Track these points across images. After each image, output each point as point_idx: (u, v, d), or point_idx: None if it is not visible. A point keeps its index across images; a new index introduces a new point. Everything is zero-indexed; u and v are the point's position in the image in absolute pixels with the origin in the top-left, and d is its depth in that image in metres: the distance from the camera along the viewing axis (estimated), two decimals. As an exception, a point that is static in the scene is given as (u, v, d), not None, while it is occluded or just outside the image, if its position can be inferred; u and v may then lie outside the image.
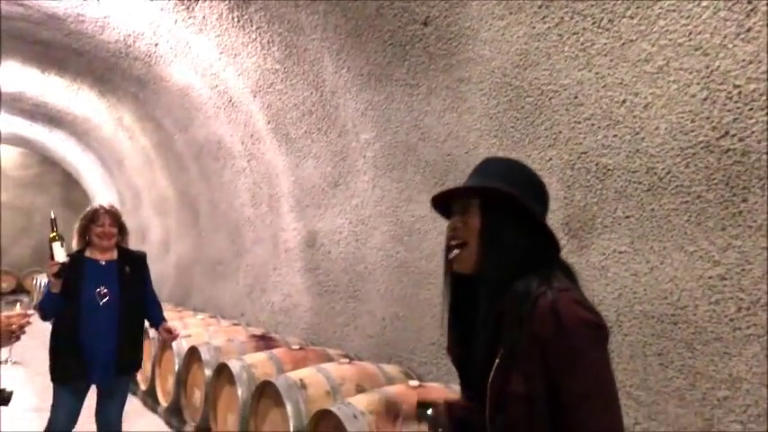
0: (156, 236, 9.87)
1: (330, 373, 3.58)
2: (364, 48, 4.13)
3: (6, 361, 2.62)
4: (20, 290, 14.01)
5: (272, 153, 5.77)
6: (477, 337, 1.39)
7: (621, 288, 2.89)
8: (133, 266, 3.59)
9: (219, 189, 7.14)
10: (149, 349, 5.87)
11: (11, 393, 2.33)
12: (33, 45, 6.72)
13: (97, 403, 3.58)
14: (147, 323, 3.73)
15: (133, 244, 9.68)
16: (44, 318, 3.32)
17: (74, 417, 3.45)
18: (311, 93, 4.87)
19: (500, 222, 1.37)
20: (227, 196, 7.01)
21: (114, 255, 3.56)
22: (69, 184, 14.22)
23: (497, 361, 1.30)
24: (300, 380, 3.48)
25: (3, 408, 2.37)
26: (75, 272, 3.30)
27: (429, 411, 1.23)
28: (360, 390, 3.45)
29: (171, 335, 3.68)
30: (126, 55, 6.31)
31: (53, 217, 2.97)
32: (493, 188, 1.39)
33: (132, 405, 6.02)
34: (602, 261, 2.98)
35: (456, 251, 1.41)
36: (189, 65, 5.93)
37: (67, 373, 3.33)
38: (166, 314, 6.82)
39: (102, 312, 3.38)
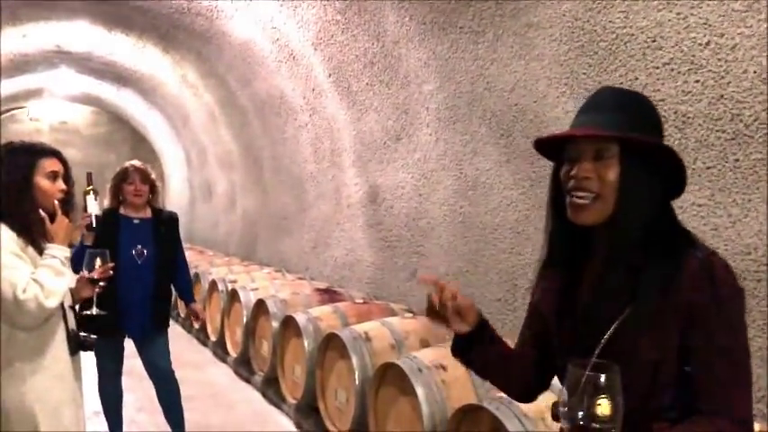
0: (221, 191, 10.08)
1: (394, 326, 3.59)
2: (427, -5, 3.99)
3: (92, 309, 2.74)
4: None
5: (333, 107, 5.73)
6: (587, 291, 1.29)
7: (700, 243, 2.74)
8: (167, 226, 3.73)
9: (282, 144, 7.19)
10: (218, 302, 6.06)
11: (94, 340, 2.44)
12: (100, 4, 6.83)
13: (141, 355, 3.73)
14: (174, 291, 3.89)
15: (199, 199, 9.93)
16: (75, 270, 3.33)
17: (120, 360, 3.70)
18: (372, 44, 4.77)
19: (640, 174, 1.21)
20: (289, 151, 7.05)
21: (148, 213, 3.68)
22: (137, 141, 14.63)
23: (621, 319, 1.19)
24: (365, 333, 3.51)
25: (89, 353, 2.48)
26: (110, 228, 3.40)
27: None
28: (424, 344, 3.45)
29: (197, 318, 3.95)
30: (188, 11, 6.33)
31: (89, 172, 3.02)
32: (638, 138, 1.21)
33: (203, 355, 6.27)
34: (679, 215, 2.80)
35: (583, 201, 1.23)
36: (250, 19, 5.90)
37: (107, 327, 3.33)
38: (234, 267, 7.03)
39: (139, 270, 3.53)
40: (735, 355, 1.16)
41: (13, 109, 13.76)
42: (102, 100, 12.97)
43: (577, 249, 1.32)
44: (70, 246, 2.37)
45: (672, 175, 1.25)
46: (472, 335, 1.39)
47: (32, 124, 14.49)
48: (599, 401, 1.03)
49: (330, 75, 5.47)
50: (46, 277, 2.15)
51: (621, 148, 1.21)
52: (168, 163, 13.67)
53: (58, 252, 2.24)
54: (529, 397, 1.52)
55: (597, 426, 1.03)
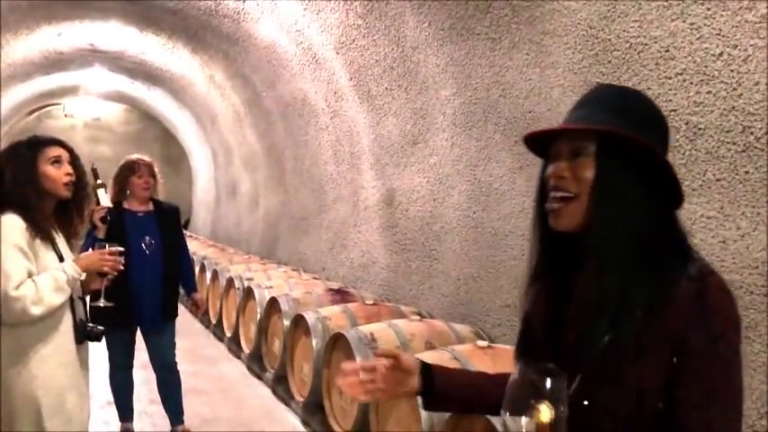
0: (245, 190, 10.21)
1: (400, 328, 3.61)
2: (446, 1, 4.02)
3: (100, 301, 2.78)
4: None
5: (353, 110, 5.78)
6: (574, 309, 1.18)
7: (709, 256, 2.71)
8: (169, 217, 3.85)
9: (304, 146, 7.27)
10: (234, 299, 6.15)
11: (102, 331, 2.50)
12: (132, 4, 7.00)
13: (148, 345, 3.83)
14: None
15: (224, 197, 10.12)
16: None
17: (131, 351, 3.81)
18: (392, 48, 4.81)
19: (619, 174, 1.10)
20: (310, 153, 7.12)
21: (150, 206, 3.79)
22: (167, 139, 14.89)
23: (604, 342, 1.09)
24: (371, 334, 3.53)
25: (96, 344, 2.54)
26: (116, 221, 3.44)
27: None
28: (429, 347, 3.47)
29: (197, 308, 4.20)
30: (216, 12, 6.45)
31: (94, 167, 3.10)
32: (615, 131, 1.10)
33: (218, 351, 6.36)
34: (689, 227, 2.80)
35: (558, 205, 1.14)
36: (275, 21, 5.99)
37: (120, 318, 3.37)
38: (252, 266, 7.12)
39: (149, 261, 3.63)
40: (724, 400, 1.05)
41: (49, 105, 14.13)
42: (134, 98, 13.24)
43: (566, 258, 1.21)
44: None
45: (667, 182, 1.14)
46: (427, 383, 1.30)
47: (67, 121, 14.86)
48: (541, 408, 0.96)
49: (351, 78, 5.52)
50: (44, 285, 2.19)
51: (600, 147, 1.11)
52: (196, 161, 13.89)
53: (70, 270, 2.30)
54: None
55: None
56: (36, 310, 2.17)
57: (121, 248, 2.53)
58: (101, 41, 8.73)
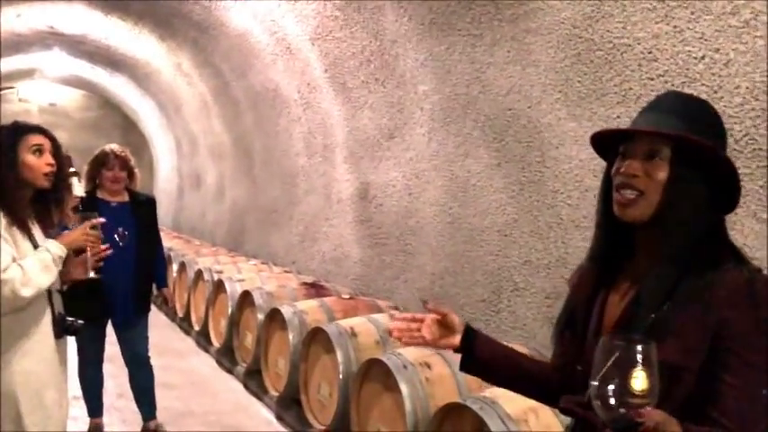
0: (211, 181, 10.05)
1: (380, 323, 3.61)
2: (427, -5, 4.01)
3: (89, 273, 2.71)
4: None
5: (327, 102, 5.74)
6: (618, 294, 1.29)
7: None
8: (144, 209, 3.75)
9: (275, 137, 7.18)
10: (204, 292, 6.05)
11: (81, 324, 2.43)
12: (97, -13, 6.79)
13: (120, 340, 3.75)
14: None
15: (188, 188, 9.91)
16: None
17: (102, 346, 3.73)
18: (370, 41, 4.79)
19: (690, 178, 1.20)
20: (281, 145, 7.04)
21: (125, 197, 3.69)
22: (128, 127, 14.50)
23: (649, 322, 1.16)
24: (351, 328, 3.52)
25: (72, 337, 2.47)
26: (89, 212, 3.37)
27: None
28: (409, 341, 3.47)
29: (166, 303, 4.22)
30: (187, -1, 6.31)
31: (68, 155, 3.00)
32: (698, 141, 1.19)
33: (186, 344, 6.26)
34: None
35: (629, 197, 1.23)
36: (248, 10, 5.89)
37: (90, 312, 3.15)
38: (221, 258, 7.02)
39: (122, 253, 3.47)
40: (761, 375, 1.10)
41: (3, 89, 13.62)
42: (93, 84, 12.86)
43: (621, 249, 1.32)
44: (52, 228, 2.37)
45: (725, 188, 1.23)
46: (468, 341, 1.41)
47: (21, 105, 14.32)
48: (635, 374, 0.95)
49: (326, 70, 5.47)
50: (31, 266, 2.13)
51: (674, 152, 1.20)
52: (158, 150, 13.60)
53: (55, 249, 2.23)
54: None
55: (632, 401, 0.95)
56: (26, 292, 2.10)
57: (102, 219, 2.45)
58: (62, 24, 8.44)
